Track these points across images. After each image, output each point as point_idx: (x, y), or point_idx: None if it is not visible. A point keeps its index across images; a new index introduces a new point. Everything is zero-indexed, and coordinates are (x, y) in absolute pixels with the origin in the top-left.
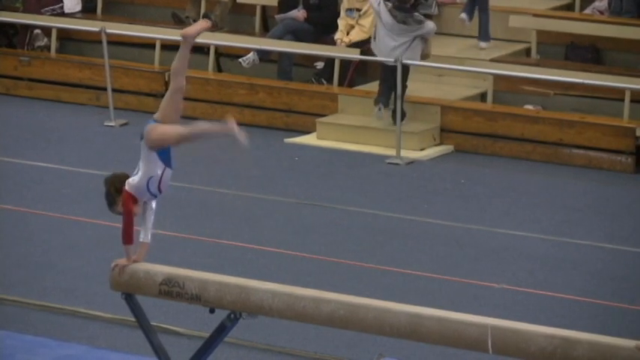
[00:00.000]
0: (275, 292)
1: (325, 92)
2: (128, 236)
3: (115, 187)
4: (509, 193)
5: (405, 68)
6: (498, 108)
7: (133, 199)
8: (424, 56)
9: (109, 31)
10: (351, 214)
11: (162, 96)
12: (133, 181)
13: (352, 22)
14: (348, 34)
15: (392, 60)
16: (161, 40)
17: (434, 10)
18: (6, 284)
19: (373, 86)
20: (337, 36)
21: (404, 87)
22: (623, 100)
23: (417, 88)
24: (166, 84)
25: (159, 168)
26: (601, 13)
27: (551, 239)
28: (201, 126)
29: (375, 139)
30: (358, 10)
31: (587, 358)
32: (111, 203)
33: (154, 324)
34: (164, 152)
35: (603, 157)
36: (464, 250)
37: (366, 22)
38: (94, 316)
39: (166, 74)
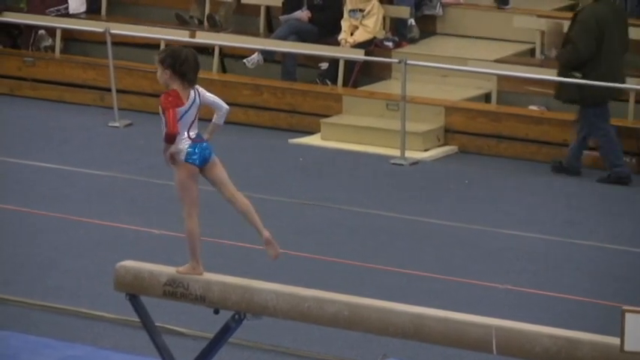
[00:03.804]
0: (279, 293)
1: (329, 93)
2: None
3: (171, 63)
4: (513, 193)
5: None
6: (502, 109)
7: (175, 96)
8: None
9: (113, 31)
10: (354, 214)
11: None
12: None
13: (356, 22)
14: (352, 34)
15: (396, 60)
16: (165, 40)
17: (438, 11)
18: (10, 284)
19: (377, 87)
20: (341, 37)
21: None
22: (627, 100)
23: (420, 88)
24: None
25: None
26: None
27: (555, 240)
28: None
29: (379, 139)
30: (361, 10)
31: (590, 358)
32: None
33: (158, 325)
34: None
35: None
36: (467, 251)
37: (370, 22)
38: (98, 316)
39: None
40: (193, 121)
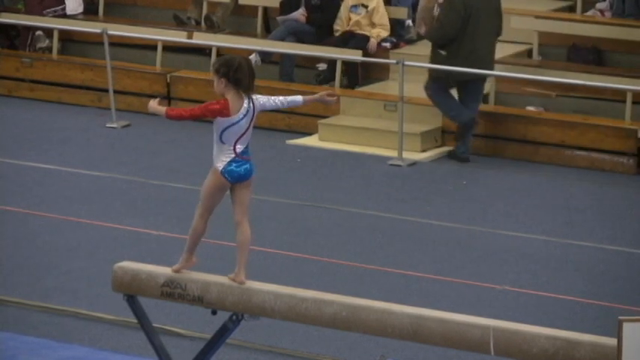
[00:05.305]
0: (277, 294)
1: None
2: (177, 112)
3: (225, 71)
4: (511, 194)
5: None
6: (500, 109)
7: (222, 106)
8: None
9: (110, 32)
10: (353, 215)
11: (164, 97)
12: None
13: (357, 18)
14: (350, 28)
15: (394, 61)
16: (163, 41)
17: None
18: (8, 286)
19: (375, 88)
20: (337, 26)
21: None
22: (624, 101)
23: (418, 89)
24: (168, 85)
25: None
26: (601, 12)
27: (553, 241)
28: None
29: (377, 140)
30: (364, 6)
31: (589, 359)
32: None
33: (156, 325)
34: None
35: (605, 159)
36: (466, 252)
37: (384, 19)
38: (96, 317)
39: (168, 76)
40: (244, 134)
